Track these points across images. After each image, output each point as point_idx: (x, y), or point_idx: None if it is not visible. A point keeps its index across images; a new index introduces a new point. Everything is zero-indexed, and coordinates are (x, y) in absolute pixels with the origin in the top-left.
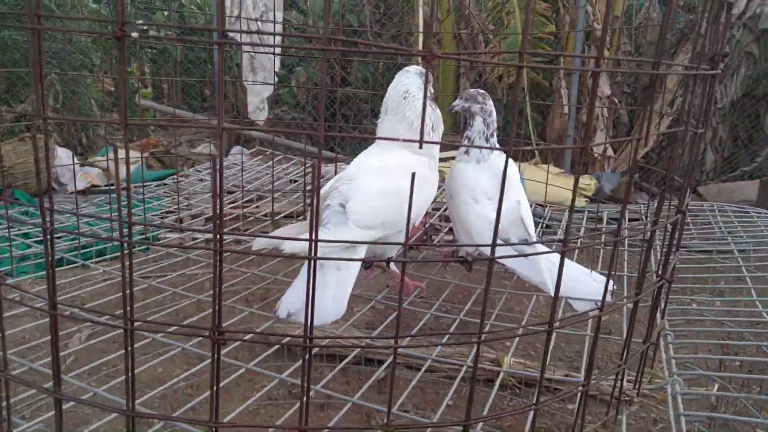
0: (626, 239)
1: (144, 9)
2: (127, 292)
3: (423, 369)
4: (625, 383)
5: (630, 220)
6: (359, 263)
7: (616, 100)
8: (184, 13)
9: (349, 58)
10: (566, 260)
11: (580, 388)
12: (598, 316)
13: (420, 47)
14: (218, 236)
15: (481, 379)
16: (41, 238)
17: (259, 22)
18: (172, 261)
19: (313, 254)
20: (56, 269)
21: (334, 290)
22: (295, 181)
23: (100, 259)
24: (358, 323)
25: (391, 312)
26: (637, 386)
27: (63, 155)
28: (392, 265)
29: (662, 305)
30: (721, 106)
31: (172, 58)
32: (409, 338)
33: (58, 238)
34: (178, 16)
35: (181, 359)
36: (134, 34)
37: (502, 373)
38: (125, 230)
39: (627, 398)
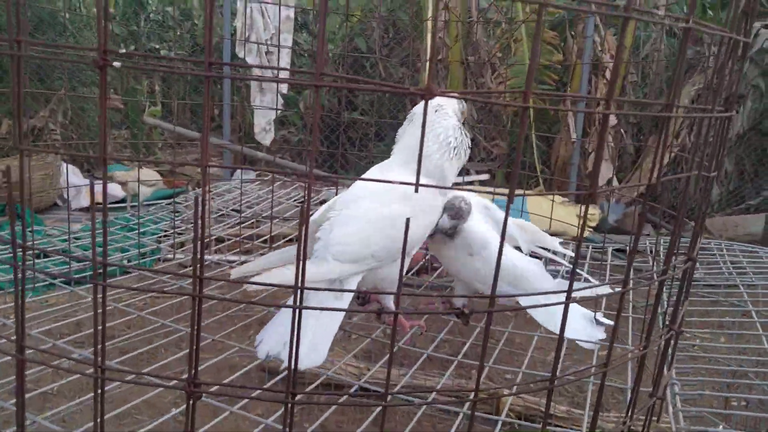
0: (638, 279)
1: (157, 29)
2: (98, 336)
3: (420, 410)
4: None
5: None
6: (345, 305)
7: (623, 131)
8: (196, 33)
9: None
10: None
11: None
12: (603, 372)
13: (427, 74)
14: (198, 282)
15: (481, 411)
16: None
17: (269, 44)
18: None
19: (297, 302)
20: (45, 293)
21: (314, 335)
22: (300, 205)
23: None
24: (358, 353)
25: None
26: None
27: (70, 172)
28: (389, 301)
29: (669, 357)
30: (728, 139)
31: (182, 77)
32: (400, 386)
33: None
34: (190, 36)
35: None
36: (116, 64)
37: (500, 421)
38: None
39: None
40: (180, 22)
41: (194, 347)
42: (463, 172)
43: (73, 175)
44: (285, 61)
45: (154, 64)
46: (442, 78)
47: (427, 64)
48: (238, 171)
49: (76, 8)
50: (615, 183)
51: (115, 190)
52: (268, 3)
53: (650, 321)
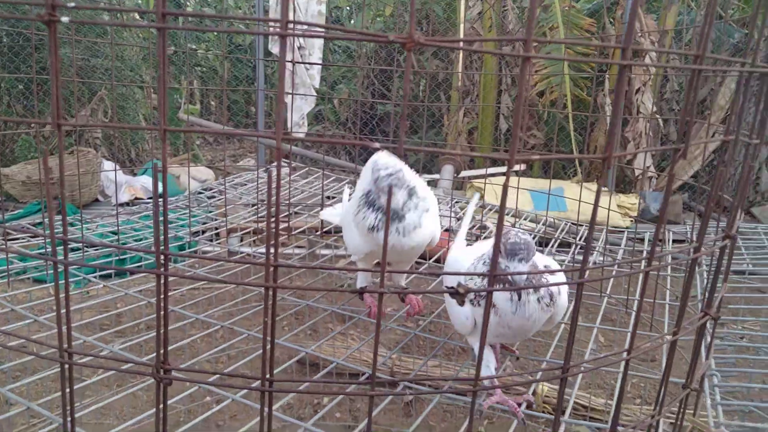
0: (667, 265)
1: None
2: (63, 325)
3: (435, 400)
4: None
5: (676, 241)
6: None
7: (660, 119)
8: (232, 33)
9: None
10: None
11: None
12: (626, 359)
13: (460, 64)
14: (161, 258)
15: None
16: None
17: (301, 39)
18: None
19: None
20: (91, 283)
21: None
22: (333, 197)
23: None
24: (389, 342)
25: (419, 335)
26: None
27: (110, 168)
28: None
29: (707, 343)
30: None
31: (218, 75)
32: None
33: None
34: (227, 36)
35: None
36: (65, 19)
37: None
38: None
39: None
40: (217, 23)
41: (162, 331)
42: (498, 162)
43: (112, 172)
44: (317, 56)
45: (105, 22)
46: (476, 68)
47: (460, 54)
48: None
49: None
50: (652, 171)
51: (151, 184)
52: None
53: (681, 305)
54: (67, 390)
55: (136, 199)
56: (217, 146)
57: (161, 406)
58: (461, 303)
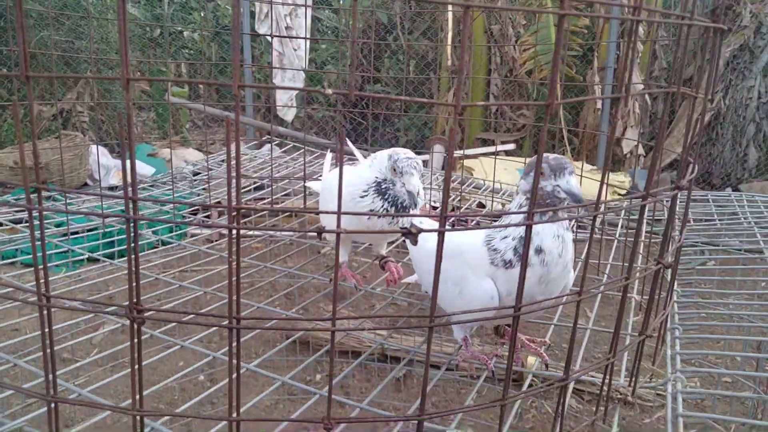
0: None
1: (180, 10)
2: (134, 282)
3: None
4: (622, 381)
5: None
6: None
7: (648, 99)
8: (219, 14)
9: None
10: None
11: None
12: (578, 300)
13: (450, 43)
14: (234, 214)
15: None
16: (65, 237)
17: (288, 19)
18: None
19: None
20: (82, 265)
21: None
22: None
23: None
24: (380, 320)
25: (412, 309)
26: (632, 384)
27: (99, 153)
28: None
29: (666, 295)
30: (766, 101)
31: (205, 57)
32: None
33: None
34: (213, 17)
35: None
36: None
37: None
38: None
39: (620, 396)
40: (204, 4)
41: (134, 274)
42: (489, 142)
43: (102, 156)
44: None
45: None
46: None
47: (449, 35)
48: (267, 145)
49: None
50: (641, 150)
51: (143, 169)
52: None
53: (632, 250)
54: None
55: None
56: (207, 129)
57: (135, 344)
58: (414, 243)
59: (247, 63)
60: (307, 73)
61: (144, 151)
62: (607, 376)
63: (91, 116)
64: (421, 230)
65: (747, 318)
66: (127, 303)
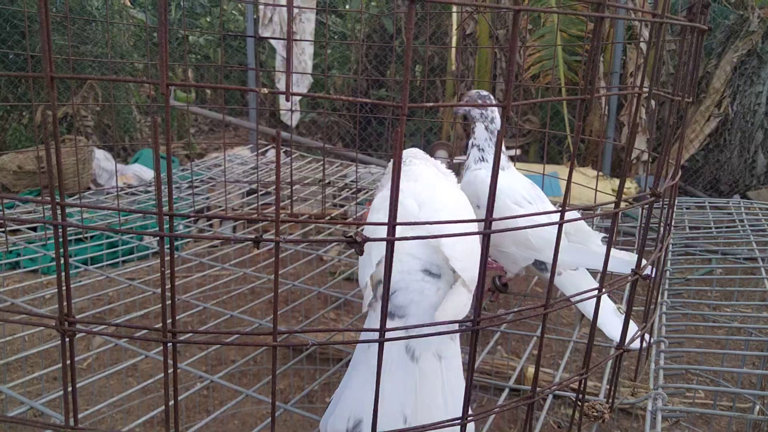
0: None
1: (188, 15)
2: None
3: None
4: (602, 396)
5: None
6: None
7: (653, 102)
8: (224, 18)
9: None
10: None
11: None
12: (543, 313)
13: (454, 47)
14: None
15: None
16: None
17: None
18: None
19: None
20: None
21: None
22: (328, 183)
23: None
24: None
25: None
26: (610, 399)
27: (102, 157)
28: None
29: (646, 307)
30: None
31: (215, 67)
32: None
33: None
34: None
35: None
36: None
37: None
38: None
39: (596, 413)
40: (209, 9)
41: (64, 282)
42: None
43: (105, 160)
44: (309, 43)
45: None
46: (470, 53)
47: (454, 38)
48: (271, 151)
49: None
50: (645, 156)
51: (143, 173)
52: None
53: (604, 261)
54: None
55: (128, 186)
56: (212, 134)
57: (68, 359)
58: (360, 253)
59: (251, 64)
60: (312, 77)
61: (149, 156)
62: (581, 393)
63: (96, 121)
64: (366, 240)
65: (746, 331)
66: (56, 313)
